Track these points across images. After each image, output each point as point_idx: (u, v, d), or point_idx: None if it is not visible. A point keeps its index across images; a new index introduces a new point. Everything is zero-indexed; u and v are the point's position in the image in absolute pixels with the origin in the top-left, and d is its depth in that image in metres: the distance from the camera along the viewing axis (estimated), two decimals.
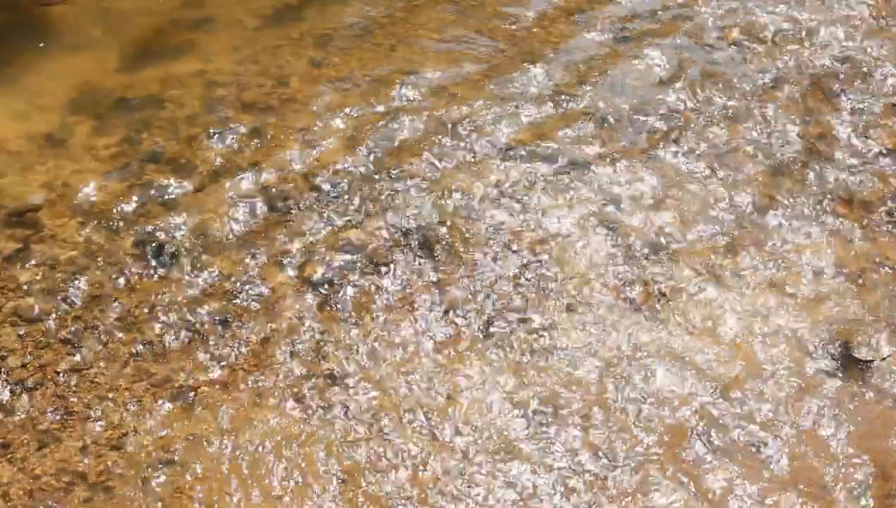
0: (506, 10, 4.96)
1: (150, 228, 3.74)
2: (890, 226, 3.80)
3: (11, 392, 3.20)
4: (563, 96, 4.38)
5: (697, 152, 4.11)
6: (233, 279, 3.57)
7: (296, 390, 3.23)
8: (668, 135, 4.18)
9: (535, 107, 4.33)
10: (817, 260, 3.67)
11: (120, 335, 3.38)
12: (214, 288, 3.54)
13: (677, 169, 4.03)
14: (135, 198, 3.87)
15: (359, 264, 3.61)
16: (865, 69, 4.54)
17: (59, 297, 3.48)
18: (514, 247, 3.69)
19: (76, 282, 3.53)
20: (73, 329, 3.39)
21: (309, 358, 3.32)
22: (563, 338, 3.39)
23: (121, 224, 3.76)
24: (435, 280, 3.57)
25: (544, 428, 3.13)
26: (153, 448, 3.06)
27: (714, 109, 4.32)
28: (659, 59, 4.60)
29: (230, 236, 3.73)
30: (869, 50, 4.66)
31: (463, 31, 4.82)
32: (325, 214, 3.81)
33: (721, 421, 3.15)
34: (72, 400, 3.19)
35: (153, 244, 3.68)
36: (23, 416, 3.14)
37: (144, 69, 4.58)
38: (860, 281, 3.60)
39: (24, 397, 3.19)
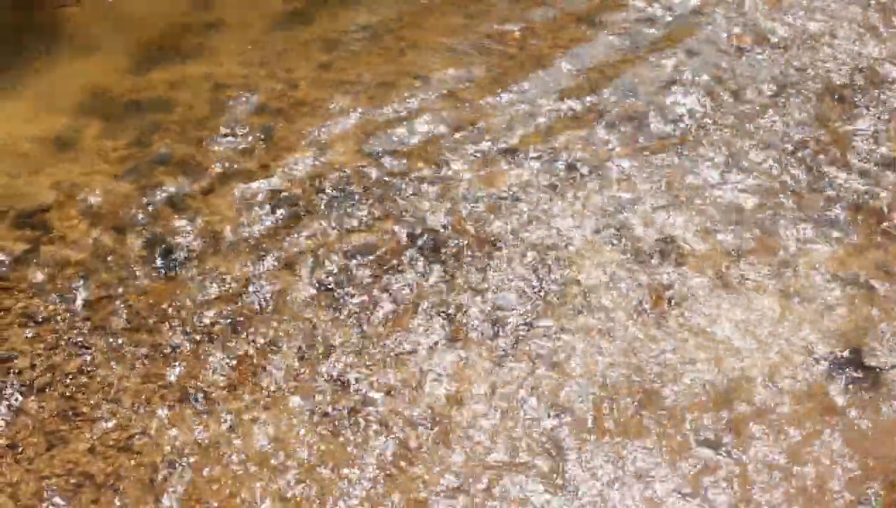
0: (515, 14, 4.96)
1: (158, 230, 3.75)
2: None
3: (20, 392, 3.20)
4: (572, 100, 4.38)
5: (708, 157, 4.10)
6: (241, 281, 3.57)
7: (305, 393, 3.22)
8: (679, 140, 4.18)
9: (545, 110, 4.33)
10: (827, 266, 3.66)
11: (128, 337, 3.38)
12: (223, 290, 3.54)
13: (687, 174, 4.02)
14: (144, 200, 3.87)
15: (368, 267, 3.61)
16: (878, 76, 4.54)
17: (68, 299, 3.48)
18: (524, 251, 3.68)
19: (85, 284, 3.54)
20: (81, 330, 3.39)
21: (318, 361, 3.32)
22: (571, 344, 3.38)
23: (130, 226, 3.77)
24: (444, 283, 3.56)
25: (552, 431, 3.14)
26: (161, 450, 3.06)
27: (725, 114, 4.32)
28: (670, 64, 4.60)
29: (239, 239, 3.73)
30: (882, 56, 4.66)
31: (472, 35, 4.82)
32: (334, 217, 3.81)
33: (728, 426, 3.15)
34: (80, 401, 3.19)
35: (162, 246, 3.68)
36: (31, 417, 3.14)
37: (154, 72, 4.59)
38: (871, 288, 3.59)
39: (33, 398, 3.19)
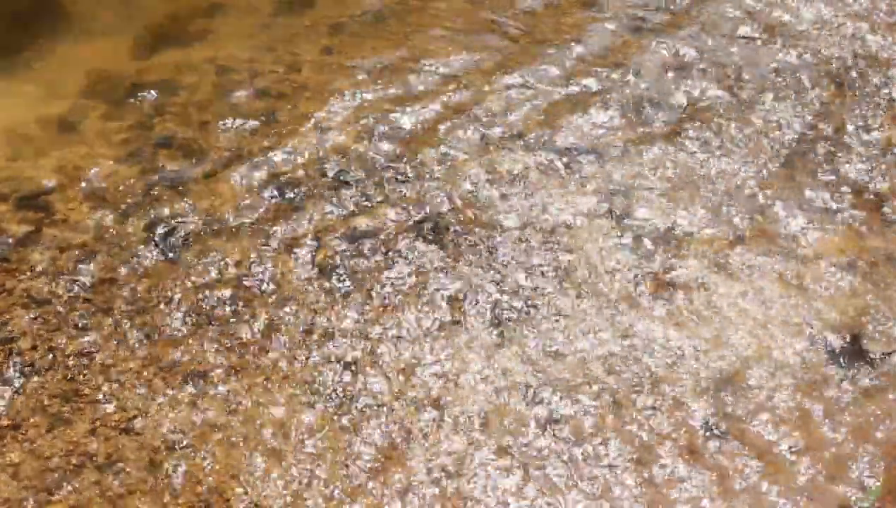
0: None
1: (161, 213, 3.75)
2: None
3: (22, 373, 3.22)
4: (575, 85, 4.38)
5: (710, 143, 4.10)
6: (243, 264, 3.58)
7: (305, 376, 3.24)
8: (681, 126, 4.17)
9: (548, 95, 4.32)
10: (828, 252, 3.66)
11: (130, 319, 3.39)
12: (224, 273, 3.55)
13: (689, 159, 4.02)
14: (146, 182, 3.88)
15: (370, 251, 3.62)
16: (880, 62, 4.52)
17: (70, 280, 3.50)
18: (525, 236, 3.68)
19: (87, 266, 3.55)
20: (83, 312, 3.40)
21: (318, 345, 3.33)
22: (572, 327, 3.39)
23: (132, 208, 3.77)
24: (445, 267, 3.57)
25: (555, 421, 3.14)
26: (162, 432, 3.08)
27: (727, 100, 4.31)
28: (673, 50, 4.59)
29: (241, 222, 3.73)
30: (883, 43, 4.64)
31: (476, 20, 4.81)
32: (337, 201, 3.81)
33: (729, 413, 3.15)
34: (81, 382, 3.21)
35: (164, 229, 3.69)
36: (33, 398, 3.16)
37: (158, 55, 4.59)
38: (871, 274, 3.59)
39: (35, 379, 3.21)
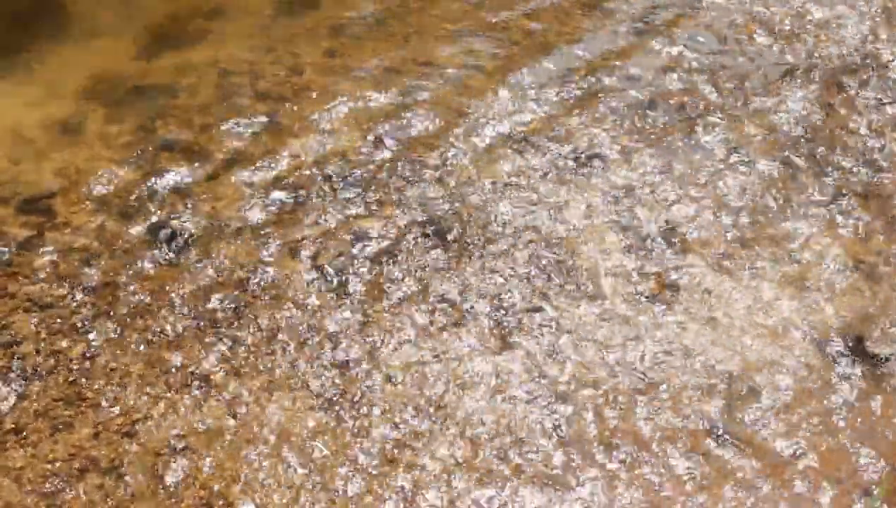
0: (521, 1, 4.94)
1: (163, 216, 3.75)
2: None
3: (25, 377, 3.22)
4: (577, 87, 4.38)
5: (712, 144, 4.10)
6: (245, 267, 3.57)
7: (308, 379, 3.24)
8: (682, 127, 4.17)
9: (549, 97, 4.32)
10: (832, 254, 3.66)
11: (132, 322, 3.39)
12: (227, 276, 3.55)
13: (691, 161, 4.02)
14: (148, 185, 3.88)
15: (372, 253, 3.62)
16: (882, 63, 4.52)
17: (72, 284, 3.49)
18: (527, 238, 3.68)
19: (89, 269, 3.55)
20: (86, 315, 3.40)
21: (321, 347, 3.33)
22: (573, 329, 3.39)
23: (134, 211, 3.77)
24: (447, 270, 3.57)
25: (559, 423, 3.14)
26: (165, 435, 3.08)
27: (729, 102, 4.31)
28: (675, 51, 4.58)
29: (243, 224, 3.73)
30: (886, 43, 4.64)
31: (478, 21, 4.81)
32: (338, 203, 3.81)
33: (732, 415, 3.15)
34: (84, 386, 3.21)
35: (166, 232, 3.69)
36: (36, 402, 3.16)
37: (160, 57, 4.58)
38: (875, 275, 3.59)
39: (37, 383, 3.21)
